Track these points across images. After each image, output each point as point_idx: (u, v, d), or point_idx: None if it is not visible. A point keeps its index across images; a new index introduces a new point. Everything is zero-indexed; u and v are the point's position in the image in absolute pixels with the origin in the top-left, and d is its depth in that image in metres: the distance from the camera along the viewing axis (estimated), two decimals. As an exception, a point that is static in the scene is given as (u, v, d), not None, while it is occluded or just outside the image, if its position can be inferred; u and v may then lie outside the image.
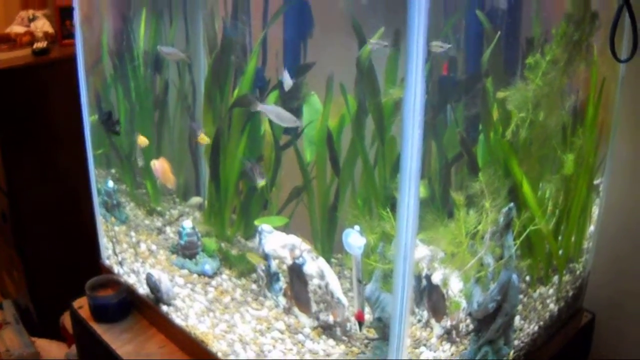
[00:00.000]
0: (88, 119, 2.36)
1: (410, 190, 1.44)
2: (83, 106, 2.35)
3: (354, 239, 1.75)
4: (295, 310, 2.05)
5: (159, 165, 2.29)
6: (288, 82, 2.01)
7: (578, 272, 2.23)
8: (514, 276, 1.76)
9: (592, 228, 2.26)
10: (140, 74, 2.56)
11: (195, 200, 2.58)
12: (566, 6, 1.87)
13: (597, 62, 1.98)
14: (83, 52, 2.30)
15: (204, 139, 2.14)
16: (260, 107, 2.01)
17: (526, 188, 1.91)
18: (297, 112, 2.11)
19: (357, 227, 1.75)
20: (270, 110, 1.99)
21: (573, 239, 2.16)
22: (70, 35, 3.62)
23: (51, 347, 3.45)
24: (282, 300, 2.09)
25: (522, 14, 1.99)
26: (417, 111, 1.41)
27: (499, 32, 1.89)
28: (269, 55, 2.19)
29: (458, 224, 1.78)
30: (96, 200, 2.46)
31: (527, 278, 2.10)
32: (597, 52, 1.97)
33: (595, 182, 2.19)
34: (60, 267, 3.52)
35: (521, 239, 1.89)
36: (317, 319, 1.99)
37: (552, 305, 2.10)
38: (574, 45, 1.89)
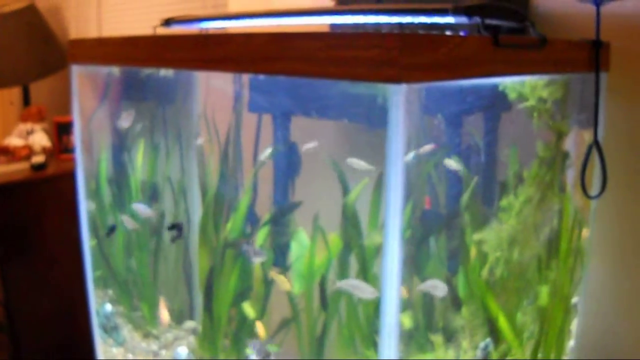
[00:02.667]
0: (88, 242, 2.47)
1: (391, 332, 1.54)
2: (83, 231, 2.46)
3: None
4: None
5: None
6: None
7: (557, 391, 2.31)
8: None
9: (572, 343, 2.35)
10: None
11: (189, 324, 2.67)
12: (537, 149, 1.99)
13: (569, 197, 2.10)
14: (84, 180, 2.43)
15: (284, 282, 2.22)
16: (339, 284, 2.11)
17: (502, 322, 2.01)
18: (285, 247, 2.23)
19: (342, 372, 1.86)
20: (349, 284, 2.09)
21: (552, 357, 2.25)
22: (68, 150, 3.75)
23: None
24: None
25: (496, 157, 2.11)
26: (395, 254, 1.52)
27: (475, 178, 2.01)
28: (259, 192, 2.31)
29: (437, 363, 1.89)
30: (95, 322, 2.55)
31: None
32: (570, 187, 2.10)
33: (573, 301, 2.29)
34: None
35: (500, 368, 2.00)
36: None
37: None
38: (546, 184, 2.02)
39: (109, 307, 2.64)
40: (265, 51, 1.68)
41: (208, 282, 2.35)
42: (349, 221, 2.05)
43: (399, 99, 1.43)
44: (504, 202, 1.98)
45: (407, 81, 1.43)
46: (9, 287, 3.49)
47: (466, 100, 1.92)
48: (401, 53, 1.40)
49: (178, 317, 2.75)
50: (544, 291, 2.13)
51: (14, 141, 3.83)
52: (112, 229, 2.56)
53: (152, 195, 2.67)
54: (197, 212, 2.56)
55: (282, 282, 2.18)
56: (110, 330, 2.66)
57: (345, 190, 2.07)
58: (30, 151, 3.77)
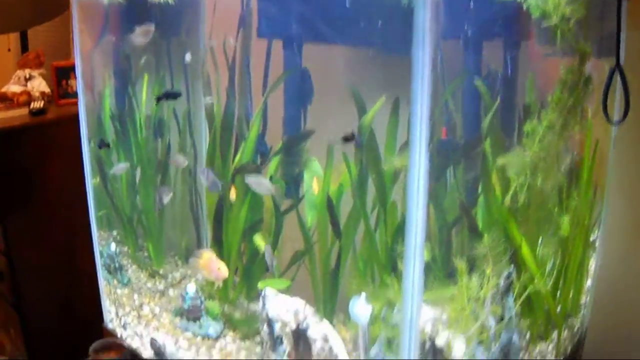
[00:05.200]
0: (90, 181, 2.39)
1: (416, 256, 1.48)
2: (85, 169, 2.38)
3: (361, 309, 1.78)
4: (300, 373, 2.07)
5: (209, 262, 2.25)
6: None
7: (576, 327, 2.26)
8: (515, 336, 1.79)
9: (589, 282, 2.29)
10: (142, 138, 2.59)
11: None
12: (560, 72, 1.91)
13: (590, 125, 2.03)
14: (86, 117, 2.34)
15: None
16: (246, 180, 2.09)
17: (525, 250, 1.94)
18: (298, 178, 2.15)
19: (363, 295, 1.78)
20: (252, 180, 2.06)
21: (571, 295, 2.20)
22: (67, 95, 3.66)
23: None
24: (287, 363, 2.12)
25: (518, 80, 2.03)
26: (421, 178, 1.44)
27: (497, 101, 1.93)
28: (269, 122, 2.23)
29: (460, 290, 1.81)
30: (99, 263, 2.48)
31: (527, 336, 2.12)
32: (591, 115, 2.02)
33: (592, 238, 2.23)
34: (58, 325, 3.51)
35: (521, 299, 1.93)
36: (323, 381, 2.01)
37: (552, 361, 2.13)
38: (569, 109, 1.94)
39: (113, 247, 2.57)
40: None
41: (217, 214, 2.28)
42: (366, 144, 1.97)
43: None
44: (527, 127, 1.90)
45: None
46: (10, 236, 3.41)
47: (488, 15, 1.84)
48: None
49: (185, 255, 2.68)
50: (565, 221, 2.07)
51: (13, 88, 3.73)
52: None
53: (158, 129, 2.58)
54: (204, 145, 2.48)
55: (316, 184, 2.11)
56: (115, 271, 2.59)
57: (361, 111, 1.98)
58: (29, 97, 3.67)
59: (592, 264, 2.29)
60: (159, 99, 2.40)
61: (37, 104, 3.55)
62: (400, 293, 1.54)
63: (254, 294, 2.23)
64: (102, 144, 2.57)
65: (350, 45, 2.06)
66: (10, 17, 3.69)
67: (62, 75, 3.70)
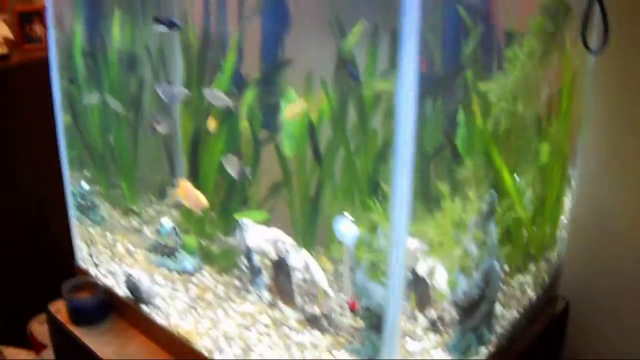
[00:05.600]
0: (62, 119, 2.34)
1: (403, 179, 1.45)
2: (57, 107, 2.32)
3: (346, 227, 1.76)
4: (280, 303, 2.06)
5: (188, 190, 2.21)
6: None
7: (553, 260, 2.28)
8: (496, 263, 1.79)
9: (565, 219, 2.30)
10: (115, 74, 2.54)
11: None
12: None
13: (569, 54, 2.02)
14: (56, 53, 2.29)
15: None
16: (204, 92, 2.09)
17: (506, 176, 1.94)
18: (275, 108, 2.12)
19: (347, 214, 1.76)
20: (208, 94, 2.07)
21: (548, 227, 2.20)
22: (32, 39, 3.60)
23: (19, 355, 3.41)
24: (266, 295, 2.10)
25: (498, 6, 2.02)
26: (409, 102, 1.41)
27: (479, 27, 1.91)
28: (246, 52, 2.19)
29: (444, 214, 1.80)
30: (70, 202, 2.44)
31: (506, 268, 2.13)
32: (569, 44, 2.01)
33: (569, 172, 2.23)
34: (28, 274, 3.47)
35: (502, 227, 1.93)
36: (303, 311, 1.99)
37: (530, 293, 2.14)
38: (549, 37, 1.93)
39: (85, 185, 2.53)
40: None
41: (193, 146, 2.24)
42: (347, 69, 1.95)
43: None
44: (509, 53, 1.89)
45: None
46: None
47: None
48: None
49: (159, 191, 2.64)
50: (544, 149, 2.07)
51: (-26, 34, 3.66)
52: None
53: (130, 64, 2.53)
54: (179, 78, 2.43)
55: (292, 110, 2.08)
56: (87, 210, 2.55)
57: (342, 34, 1.95)
58: (-9, 43, 3.60)
59: (567, 201, 2.29)
60: (156, 20, 2.31)
61: (0, 50, 3.48)
62: (385, 216, 1.52)
63: (231, 228, 2.20)
64: (70, 82, 2.53)
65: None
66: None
67: (25, 20, 3.64)
